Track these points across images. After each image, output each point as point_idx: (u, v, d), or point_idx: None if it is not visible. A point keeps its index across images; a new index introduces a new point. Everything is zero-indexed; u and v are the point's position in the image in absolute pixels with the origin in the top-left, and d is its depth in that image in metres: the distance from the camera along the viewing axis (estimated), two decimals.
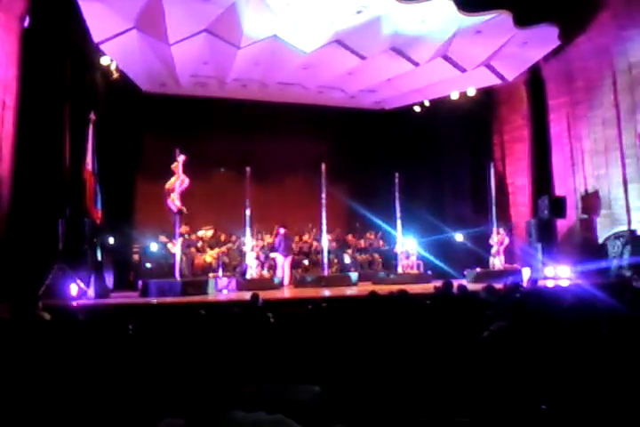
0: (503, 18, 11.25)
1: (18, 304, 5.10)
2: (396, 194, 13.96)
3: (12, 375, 2.98)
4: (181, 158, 11.59)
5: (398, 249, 14.12)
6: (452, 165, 16.31)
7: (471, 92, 14.80)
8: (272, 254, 13.80)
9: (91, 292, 10.18)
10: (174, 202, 11.48)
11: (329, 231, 14.02)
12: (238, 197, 13.29)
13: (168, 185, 11.59)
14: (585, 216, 13.64)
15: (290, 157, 15.89)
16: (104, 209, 11.31)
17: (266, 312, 5.49)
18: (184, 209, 11.64)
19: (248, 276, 12.77)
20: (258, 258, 13.58)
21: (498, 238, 13.81)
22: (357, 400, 2.69)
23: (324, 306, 6.52)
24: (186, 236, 13.40)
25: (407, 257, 14.31)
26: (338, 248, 15.17)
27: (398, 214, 14.02)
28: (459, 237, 15.07)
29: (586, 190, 13.60)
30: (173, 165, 11.61)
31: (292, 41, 11.66)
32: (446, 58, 12.83)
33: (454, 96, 14.90)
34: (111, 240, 12.55)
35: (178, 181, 11.56)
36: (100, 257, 11.21)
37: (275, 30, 11.26)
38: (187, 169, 11.95)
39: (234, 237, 14.55)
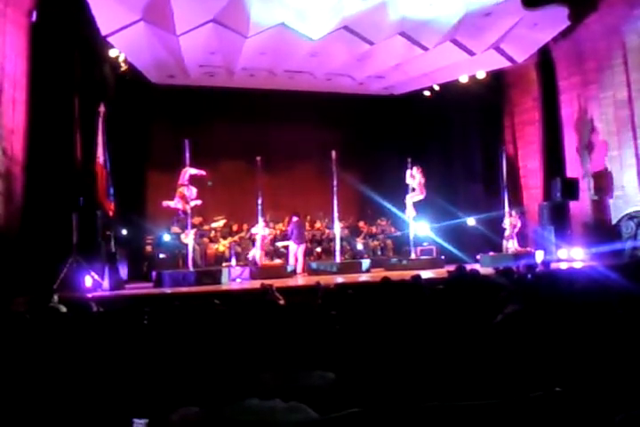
0: None
1: (34, 297, 5.17)
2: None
3: (31, 368, 3.02)
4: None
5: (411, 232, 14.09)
6: (464, 150, 16.23)
7: (481, 76, 14.67)
8: (282, 243, 13.89)
9: (105, 283, 10.28)
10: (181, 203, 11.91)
11: (341, 219, 14.01)
12: (249, 186, 13.31)
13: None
14: (597, 198, 13.54)
15: (300, 145, 15.89)
16: (116, 201, 11.38)
17: (277, 301, 5.51)
18: (186, 208, 11.95)
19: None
20: (271, 244, 13.72)
21: (510, 222, 13.73)
22: (372, 386, 2.71)
23: (333, 290, 6.54)
24: (198, 226, 13.49)
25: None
26: (350, 235, 15.18)
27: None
28: (471, 221, 15.02)
29: (598, 172, 13.48)
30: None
31: (300, 28, 11.59)
32: (455, 42, 12.70)
33: (464, 80, 14.80)
34: (124, 232, 12.66)
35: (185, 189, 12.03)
36: (113, 249, 11.29)
37: (282, 18, 11.20)
38: (197, 160, 12.03)
39: (245, 227, 14.59)
